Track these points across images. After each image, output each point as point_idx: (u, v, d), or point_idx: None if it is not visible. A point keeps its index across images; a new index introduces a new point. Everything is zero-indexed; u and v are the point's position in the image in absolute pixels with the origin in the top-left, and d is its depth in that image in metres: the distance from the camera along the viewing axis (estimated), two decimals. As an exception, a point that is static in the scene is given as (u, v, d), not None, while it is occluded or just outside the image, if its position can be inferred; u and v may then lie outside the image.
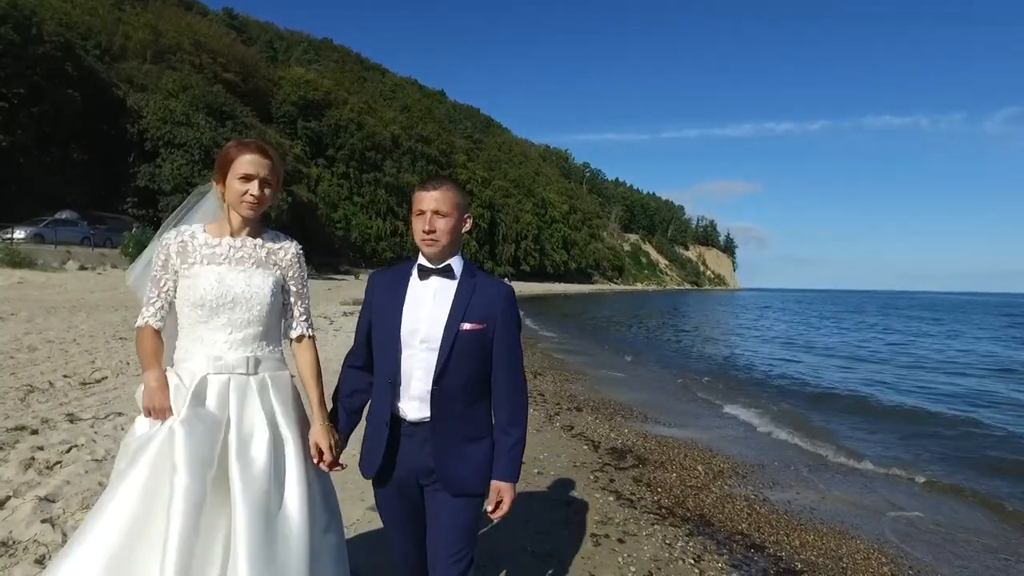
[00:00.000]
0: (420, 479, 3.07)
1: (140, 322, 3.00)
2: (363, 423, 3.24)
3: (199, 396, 2.85)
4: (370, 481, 3.19)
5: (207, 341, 2.95)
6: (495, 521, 3.07)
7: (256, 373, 3.01)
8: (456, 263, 3.08)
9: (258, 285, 3.04)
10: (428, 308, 3.00)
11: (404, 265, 3.18)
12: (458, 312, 2.97)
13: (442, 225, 2.97)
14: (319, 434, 3.06)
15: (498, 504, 3.02)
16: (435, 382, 2.95)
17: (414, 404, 3.01)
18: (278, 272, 3.15)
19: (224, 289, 2.96)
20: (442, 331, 2.95)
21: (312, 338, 3.31)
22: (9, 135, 48.42)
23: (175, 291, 3.01)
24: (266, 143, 3.12)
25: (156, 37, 74.99)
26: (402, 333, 3.00)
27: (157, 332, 3.02)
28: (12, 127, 48.78)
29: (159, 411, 2.81)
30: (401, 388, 3.01)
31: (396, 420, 3.03)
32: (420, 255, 3.09)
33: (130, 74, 66.51)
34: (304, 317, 3.26)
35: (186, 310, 2.98)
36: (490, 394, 3.10)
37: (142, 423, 2.87)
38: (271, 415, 2.97)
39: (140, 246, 17.36)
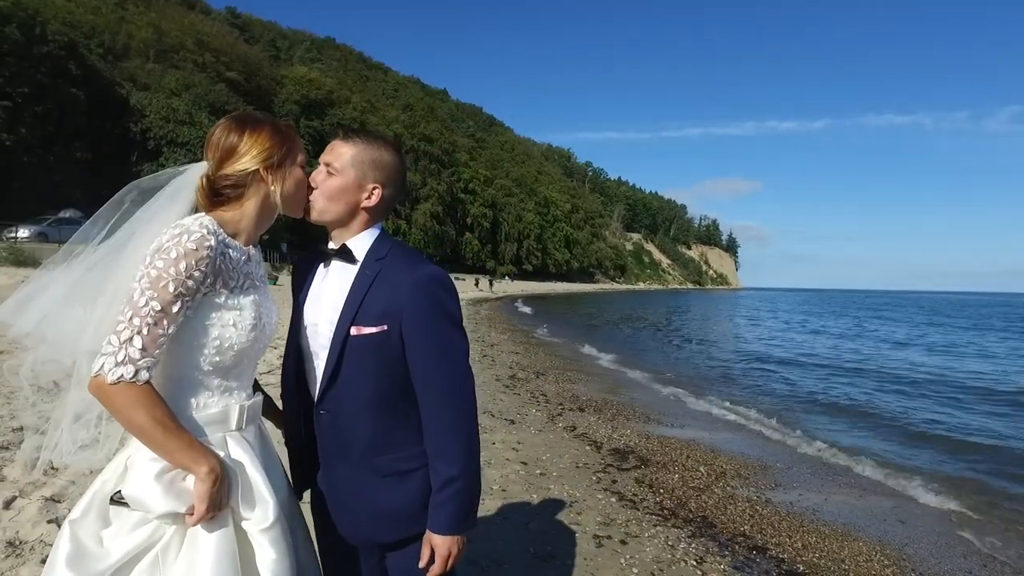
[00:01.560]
0: None
1: (125, 373, 1.85)
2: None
3: (268, 462, 2.20)
4: None
5: (232, 390, 2.17)
6: None
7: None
8: (359, 242, 2.36)
9: (277, 311, 2.35)
10: (327, 305, 2.33)
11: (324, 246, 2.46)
12: (349, 311, 2.25)
13: (327, 185, 2.30)
14: None
15: (431, 561, 2.27)
16: (318, 401, 2.33)
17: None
18: None
19: (267, 324, 2.23)
20: (331, 338, 2.29)
21: None
22: (13, 134, 48.60)
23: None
24: None
25: (159, 36, 75.10)
26: (302, 336, 2.38)
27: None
28: (16, 126, 48.96)
29: (218, 510, 1.97)
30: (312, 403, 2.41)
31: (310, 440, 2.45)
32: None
33: (133, 73, 66.69)
34: None
35: (208, 352, 2.06)
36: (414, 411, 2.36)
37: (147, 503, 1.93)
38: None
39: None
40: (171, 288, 1.90)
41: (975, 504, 8.25)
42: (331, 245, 2.39)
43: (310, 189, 2.31)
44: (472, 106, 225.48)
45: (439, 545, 2.24)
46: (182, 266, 1.91)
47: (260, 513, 2.05)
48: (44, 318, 2.04)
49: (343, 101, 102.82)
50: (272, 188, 2.19)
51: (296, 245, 67.70)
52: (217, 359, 2.08)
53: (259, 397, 2.32)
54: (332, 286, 2.34)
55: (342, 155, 2.30)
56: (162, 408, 1.91)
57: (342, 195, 2.30)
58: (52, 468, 5.82)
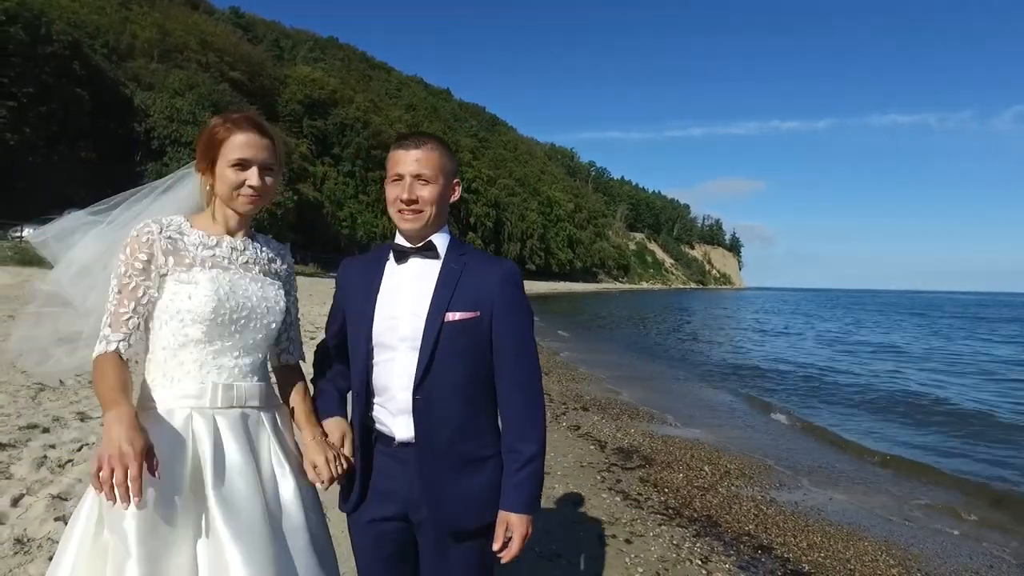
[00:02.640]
0: (412, 515, 2.45)
1: (101, 348, 2.16)
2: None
3: (217, 448, 2.17)
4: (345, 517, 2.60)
5: (209, 366, 2.27)
6: (503, 563, 2.41)
7: (268, 408, 2.41)
8: (440, 239, 2.48)
9: (273, 298, 2.42)
10: (408, 298, 2.42)
11: (379, 249, 2.60)
12: (442, 298, 2.37)
13: (426, 193, 2.38)
14: (313, 450, 2.39)
15: (507, 542, 2.37)
16: (416, 390, 2.36)
17: (401, 420, 2.42)
18: (281, 285, 2.52)
19: (239, 300, 2.30)
20: (423, 324, 2.37)
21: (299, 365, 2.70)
22: (17, 133, 48.72)
23: (155, 303, 2.25)
24: (261, 118, 2.46)
25: (163, 36, 75.28)
26: (375, 331, 2.43)
27: (124, 361, 2.18)
28: (20, 125, 49.08)
29: (125, 459, 1.84)
30: (384, 400, 2.45)
31: (381, 440, 2.47)
32: (396, 234, 2.53)
33: (137, 73, 66.87)
34: (299, 341, 2.68)
35: (175, 326, 2.24)
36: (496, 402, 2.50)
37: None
38: (292, 462, 2.37)
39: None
40: (123, 270, 2.21)
41: (981, 504, 8.23)
42: (406, 244, 2.48)
43: (260, 189, 2.36)
44: (475, 105, 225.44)
45: (518, 524, 2.36)
46: (128, 251, 2.22)
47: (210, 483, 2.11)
48: (94, 289, 2.33)
49: (346, 101, 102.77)
50: (206, 188, 2.41)
51: (300, 245, 67.76)
52: (185, 332, 2.24)
53: (249, 383, 2.35)
54: (410, 280, 2.45)
55: (427, 162, 2.40)
56: (114, 372, 2.11)
57: (443, 199, 2.45)
58: (59, 466, 5.85)
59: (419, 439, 2.39)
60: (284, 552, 2.16)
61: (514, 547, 2.36)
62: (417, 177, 2.38)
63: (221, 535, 2.04)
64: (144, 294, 2.21)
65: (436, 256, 2.45)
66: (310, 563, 2.22)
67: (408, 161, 2.39)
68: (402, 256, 2.47)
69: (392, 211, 2.45)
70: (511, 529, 2.36)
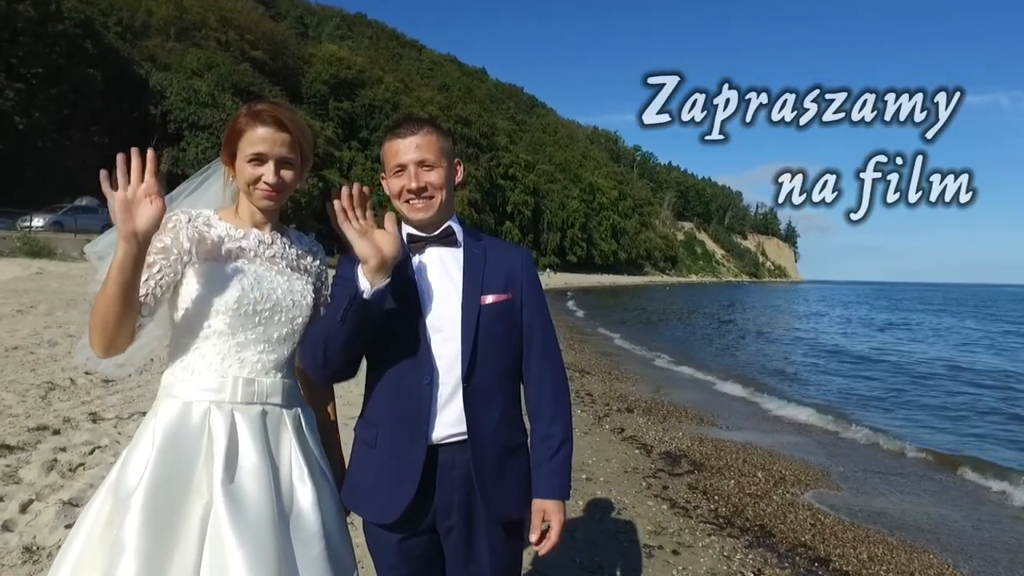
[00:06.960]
0: (440, 520, 2.44)
1: None
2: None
3: (231, 445, 2.22)
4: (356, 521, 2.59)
5: (231, 360, 2.33)
6: (542, 555, 2.45)
7: (291, 407, 2.44)
8: (455, 226, 2.55)
9: (300, 292, 2.47)
10: (433, 287, 2.44)
11: None
12: (474, 283, 2.44)
13: (434, 178, 2.42)
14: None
15: (544, 532, 2.42)
16: (465, 380, 2.37)
17: (448, 415, 2.40)
18: (310, 281, 2.57)
19: (264, 292, 2.36)
20: (460, 311, 2.41)
21: None
22: (27, 117, 49.07)
23: (170, 288, 2.32)
24: (285, 110, 2.46)
25: (180, 13, 75.67)
26: (408, 321, 2.41)
27: None
28: (30, 109, 49.42)
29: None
30: (424, 400, 2.39)
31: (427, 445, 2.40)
32: (403, 224, 2.53)
33: (153, 52, 67.27)
34: None
35: (198, 317, 2.32)
36: (520, 386, 2.58)
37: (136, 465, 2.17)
38: (314, 466, 2.40)
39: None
40: (155, 245, 2.24)
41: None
42: (413, 231, 2.51)
43: (276, 185, 2.41)
44: (512, 86, 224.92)
45: (556, 512, 2.43)
46: (162, 232, 2.28)
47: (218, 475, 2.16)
48: None
49: (375, 81, 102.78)
50: (230, 180, 2.53)
51: (324, 235, 67.99)
52: (208, 324, 2.33)
53: (272, 379, 2.39)
54: (433, 268, 2.49)
55: (428, 147, 2.44)
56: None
57: (450, 182, 2.50)
58: (70, 470, 5.92)
59: (472, 433, 2.40)
60: (291, 560, 2.18)
61: (553, 536, 2.41)
62: (421, 164, 2.42)
63: (225, 537, 2.08)
64: (159, 271, 2.27)
65: (456, 243, 2.53)
66: (319, 573, 2.23)
67: (408, 149, 2.43)
68: (419, 245, 2.50)
69: (398, 204, 2.50)
70: (549, 517, 2.42)
